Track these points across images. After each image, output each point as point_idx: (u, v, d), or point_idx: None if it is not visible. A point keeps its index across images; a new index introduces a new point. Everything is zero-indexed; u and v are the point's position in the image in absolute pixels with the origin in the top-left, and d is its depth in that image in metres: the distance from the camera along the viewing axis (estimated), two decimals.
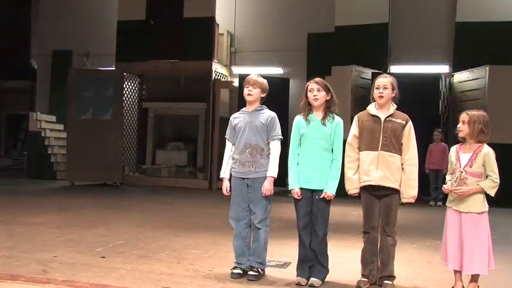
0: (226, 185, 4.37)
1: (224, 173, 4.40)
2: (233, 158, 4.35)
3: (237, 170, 4.31)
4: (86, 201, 9.17)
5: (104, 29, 14.63)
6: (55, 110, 14.73)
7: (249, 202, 4.27)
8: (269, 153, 4.27)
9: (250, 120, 4.31)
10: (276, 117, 4.35)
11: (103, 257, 4.83)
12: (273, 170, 4.23)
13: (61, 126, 14.32)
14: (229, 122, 4.46)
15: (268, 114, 4.33)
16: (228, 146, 4.44)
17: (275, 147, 4.28)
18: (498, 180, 3.85)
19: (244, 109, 4.45)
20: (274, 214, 8.23)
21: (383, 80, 4.13)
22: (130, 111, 13.84)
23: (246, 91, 4.35)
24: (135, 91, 14.13)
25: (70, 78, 12.72)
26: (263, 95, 4.38)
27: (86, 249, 5.13)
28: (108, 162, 12.38)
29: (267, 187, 4.20)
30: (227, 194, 4.35)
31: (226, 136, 4.45)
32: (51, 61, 15.48)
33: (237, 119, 4.40)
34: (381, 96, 4.10)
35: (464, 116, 3.96)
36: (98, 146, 12.36)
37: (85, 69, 14.04)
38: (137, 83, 14.21)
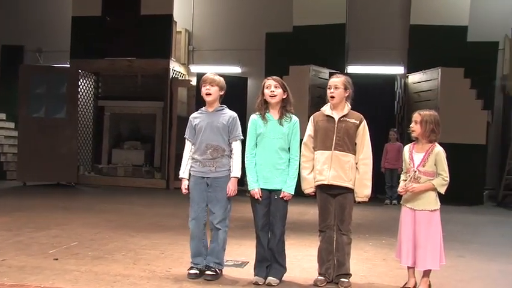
0: (185, 183, 4.34)
1: (183, 173, 4.36)
2: (193, 158, 4.32)
3: (197, 169, 4.28)
4: (39, 202, 8.91)
5: (57, 24, 14.22)
6: (5, 108, 14.22)
7: (208, 202, 4.26)
8: (230, 153, 4.27)
9: (211, 120, 4.28)
10: (237, 117, 4.35)
11: (56, 259, 4.70)
12: (237, 171, 4.24)
13: (12, 125, 13.84)
14: (189, 121, 4.42)
15: (229, 114, 4.32)
16: (188, 145, 4.39)
17: (237, 147, 4.28)
18: (448, 179, 3.99)
19: (203, 109, 4.41)
20: (233, 213, 8.23)
21: (334, 80, 4.18)
22: (85, 110, 13.54)
23: (204, 90, 4.31)
24: (91, 89, 13.83)
25: (21, 75, 12.29)
26: (221, 93, 4.35)
27: (37, 252, 4.98)
28: (62, 161, 12.05)
29: (232, 187, 4.21)
30: (186, 191, 4.32)
31: (186, 136, 4.40)
32: (0, 56, 14.92)
33: (197, 118, 4.36)
34: (332, 97, 4.15)
35: (416, 116, 4.07)
36: (51, 144, 12.01)
37: (37, 66, 13.64)
38: (92, 80, 13.90)
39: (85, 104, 13.54)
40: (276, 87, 4.15)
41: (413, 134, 4.09)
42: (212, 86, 4.28)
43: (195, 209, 4.28)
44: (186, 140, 4.41)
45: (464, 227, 7.69)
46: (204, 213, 4.28)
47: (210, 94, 4.28)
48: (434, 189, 3.99)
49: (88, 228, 6.43)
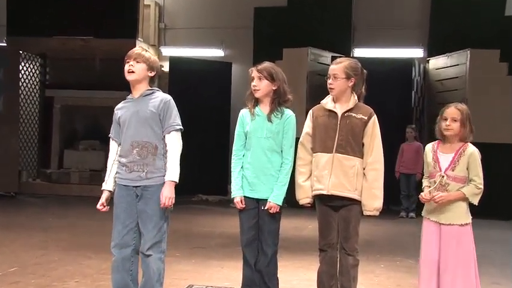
0: (103, 197, 4.01)
1: (106, 184, 4.05)
2: (119, 162, 3.98)
3: (122, 176, 3.94)
4: None
5: None
6: None
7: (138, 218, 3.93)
8: (166, 152, 3.91)
9: (136, 109, 3.92)
10: (172, 101, 3.97)
11: None
12: (173, 173, 3.84)
13: None
14: (114, 115, 4.06)
15: (160, 98, 3.93)
16: (113, 146, 4.05)
17: (174, 141, 3.90)
18: (482, 187, 3.95)
19: (129, 96, 4.06)
20: (214, 229, 8.24)
21: (333, 68, 4.15)
22: (28, 101, 13.48)
23: (126, 67, 3.92)
24: (36, 75, 13.78)
25: None
26: (151, 74, 3.97)
27: None
28: None
29: (167, 195, 3.80)
30: (103, 208, 4.01)
31: (110, 134, 4.07)
32: None
33: (121, 110, 4.02)
34: (331, 88, 4.16)
35: (454, 112, 3.99)
36: None
37: None
38: (38, 64, 13.86)
39: (28, 93, 13.47)
40: (260, 78, 4.13)
41: (449, 133, 4.03)
42: (137, 62, 3.89)
43: (119, 230, 3.92)
44: (111, 139, 4.07)
45: (500, 247, 7.73)
46: (133, 236, 3.92)
47: (132, 72, 3.89)
48: (466, 199, 3.97)
49: (32, 249, 6.40)
